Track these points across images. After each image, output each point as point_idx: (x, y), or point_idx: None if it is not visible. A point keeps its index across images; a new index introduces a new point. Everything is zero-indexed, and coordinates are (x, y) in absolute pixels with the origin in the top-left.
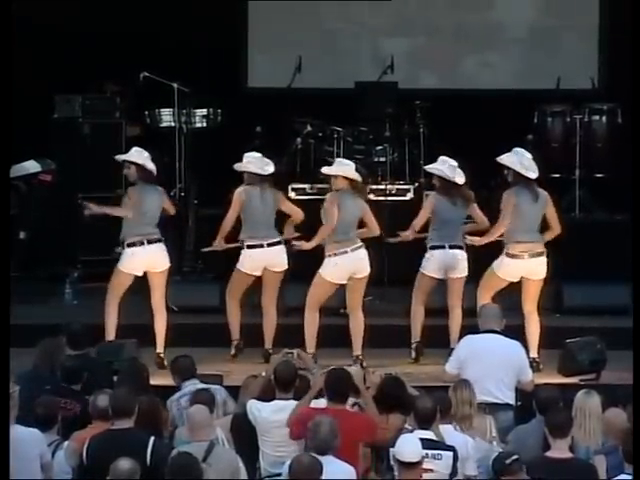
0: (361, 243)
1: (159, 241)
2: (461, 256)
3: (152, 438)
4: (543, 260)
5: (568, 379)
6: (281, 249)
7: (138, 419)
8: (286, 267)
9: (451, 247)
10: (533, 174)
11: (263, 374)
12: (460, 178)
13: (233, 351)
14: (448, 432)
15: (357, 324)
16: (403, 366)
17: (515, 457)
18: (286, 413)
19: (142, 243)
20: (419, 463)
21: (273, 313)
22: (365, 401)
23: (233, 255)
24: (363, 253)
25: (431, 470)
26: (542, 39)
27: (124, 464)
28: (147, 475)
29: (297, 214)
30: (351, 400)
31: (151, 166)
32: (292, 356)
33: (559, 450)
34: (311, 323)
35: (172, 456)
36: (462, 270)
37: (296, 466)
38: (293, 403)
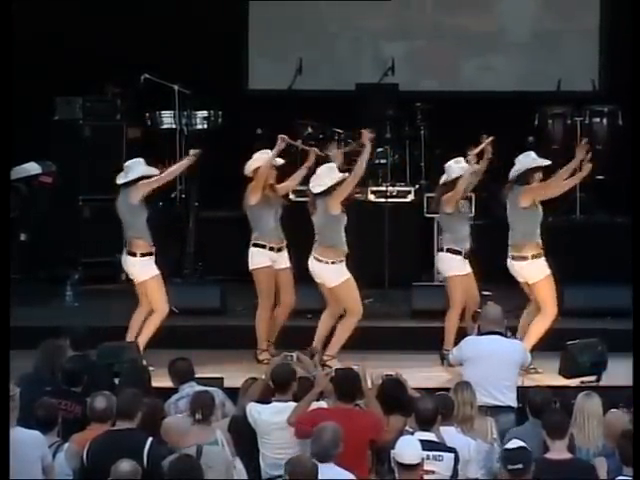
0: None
1: (127, 251)
2: (437, 257)
3: (150, 439)
4: (521, 264)
5: (569, 381)
6: (253, 251)
7: (140, 421)
8: (251, 268)
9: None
10: (511, 176)
11: (262, 377)
12: (445, 177)
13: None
14: (450, 434)
15: (339, 326)
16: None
17: (519, 466)
18: (286, 415)
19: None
20: (419, 465)
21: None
22: (369, 401)
23: (233, 257)
24: (317, 266)
25: (432, 472)
26: (543, 42)
27: (125, 466)
28: (144, 476)
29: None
30: None
31: (123, 175)
32: (291, 359)
33: (558, 451)
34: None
35: (171, 459)
36: (443, 271)
37: (291, 468)
38: (292, 405)
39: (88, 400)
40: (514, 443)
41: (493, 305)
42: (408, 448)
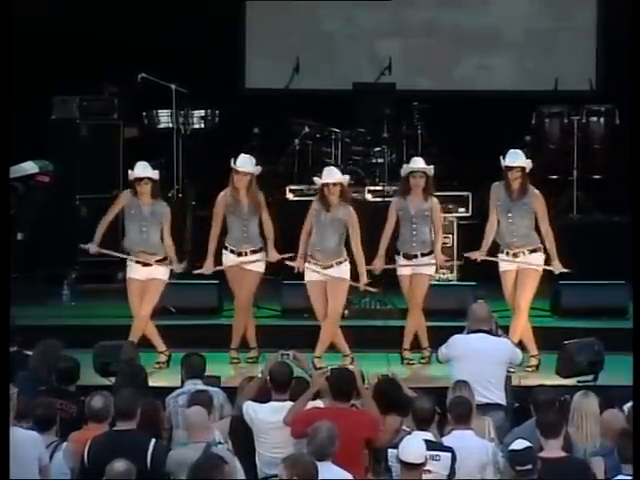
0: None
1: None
2: None
3: (153, 440)
4: None
5: (566, 380)
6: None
7: (139, 420)
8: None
9: None
10: None
11: (259, 375)
12: None
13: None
14: (468, 437)
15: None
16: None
17: (529, 467)
18: (282, 414)
19: None
20: (422, 465)
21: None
22: (365, 401)
23: None
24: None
25: (429, 471)
26: (540, 41)
27: (119, 465)
28: (146, 477)
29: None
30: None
31: None
32: (288, 357)
33: (551, 450)
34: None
35: (198, 457)
36: None
37: (290, 465)
38: (289, 404)
39: (85, 399)
40: (520, 444)
41: (480, 304)
42: (414, 447)
